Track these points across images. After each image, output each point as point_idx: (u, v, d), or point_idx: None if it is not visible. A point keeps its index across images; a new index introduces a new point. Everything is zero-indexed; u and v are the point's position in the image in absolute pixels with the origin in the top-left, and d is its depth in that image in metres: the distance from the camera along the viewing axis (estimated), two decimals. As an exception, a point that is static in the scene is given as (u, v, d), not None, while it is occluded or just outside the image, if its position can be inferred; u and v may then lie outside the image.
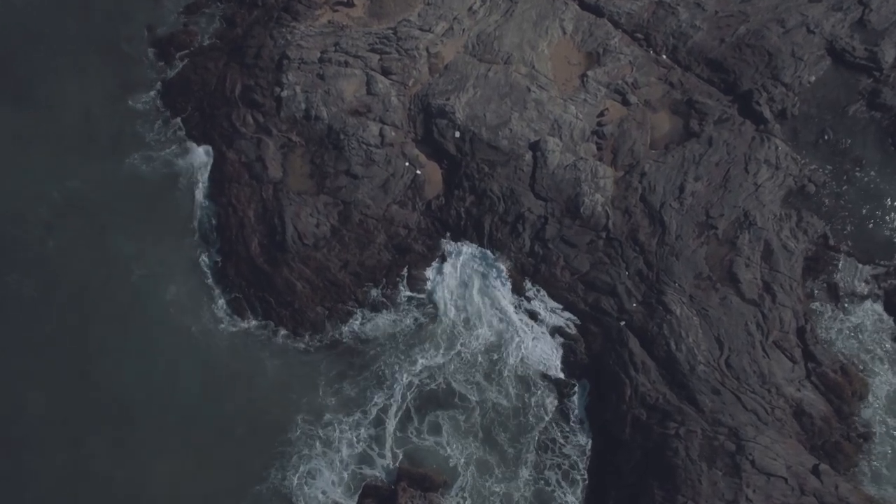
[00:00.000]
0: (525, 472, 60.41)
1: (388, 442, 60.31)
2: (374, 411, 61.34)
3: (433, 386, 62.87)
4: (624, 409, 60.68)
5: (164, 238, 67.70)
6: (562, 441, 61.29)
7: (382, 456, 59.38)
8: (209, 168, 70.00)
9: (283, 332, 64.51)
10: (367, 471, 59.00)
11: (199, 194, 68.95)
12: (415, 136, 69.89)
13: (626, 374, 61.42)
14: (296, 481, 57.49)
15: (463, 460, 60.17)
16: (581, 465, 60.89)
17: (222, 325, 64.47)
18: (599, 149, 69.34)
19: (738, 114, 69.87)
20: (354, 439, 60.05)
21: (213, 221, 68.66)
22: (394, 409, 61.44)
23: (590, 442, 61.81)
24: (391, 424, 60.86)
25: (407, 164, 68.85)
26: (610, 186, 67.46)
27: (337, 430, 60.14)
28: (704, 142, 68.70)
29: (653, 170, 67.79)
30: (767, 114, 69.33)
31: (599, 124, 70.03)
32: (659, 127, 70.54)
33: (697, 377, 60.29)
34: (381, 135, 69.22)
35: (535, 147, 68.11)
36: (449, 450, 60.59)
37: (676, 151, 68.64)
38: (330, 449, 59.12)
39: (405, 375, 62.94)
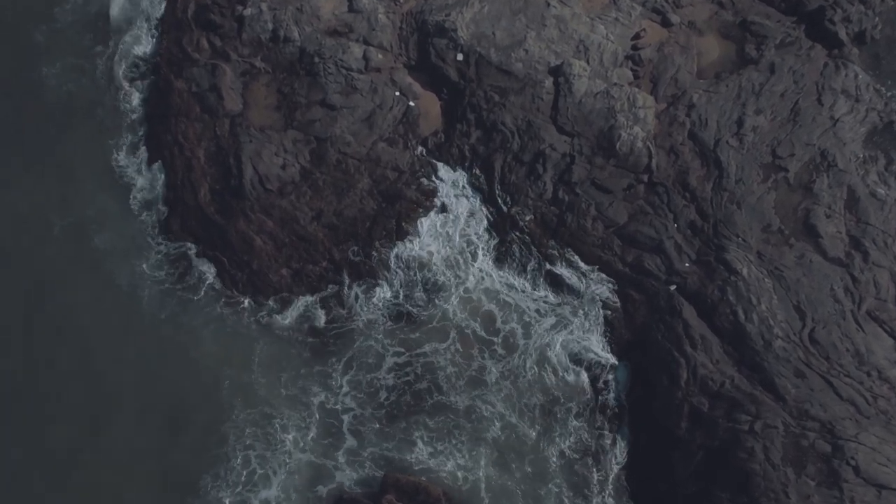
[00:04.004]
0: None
1: (344, 448, 44.31)
2: (341, 409, 45.16)
3: (419, 383, 46.64)
4: (679, 398, 44.42)
5: (92, 182, 51.18)
6: (597, 452, 44.66)
7: (339, 467, 42.52)
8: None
9: (233, 299, 47.88)
10: (325, 485, 42.07)
11: (139, 125, 52.50)
12: (407, 60, 53.75)
13: (681, 352, 45.12)
14: (235, 494, 40.51)
15: (466, 476, 43.43)
16: (620, 476, 44.34)
17: (159, 289, 48.25)
18: (636, 76, 53.28)
19: (806, 36, 53.86)
20: (309, 444, 43.55)
21: (156, 163, 52.02)
22: (369, 409, 45.52)
23: (628, 443, 45.27)
24: (369, 430, 44.89)
25: (397, 93, 52.67)
26: (651, 119, 51.15)
27: (288, 431, 43.88)
28: (765, 69, 52.67)
29: (703, 101, 51.65)
30: (843, 35, 53.40)
31: (635, 48, 54.00)
32: (707, 53, 54.52)
33: (775, 355, 43.97)
34: (366, 58, 53.07)
35: (556, 72, 51.95)
36: (449, 463, 44.20)
37: (731, 80, 52.58)
38: (277, 452, 42.25)
39: (380, 368, 46.77)
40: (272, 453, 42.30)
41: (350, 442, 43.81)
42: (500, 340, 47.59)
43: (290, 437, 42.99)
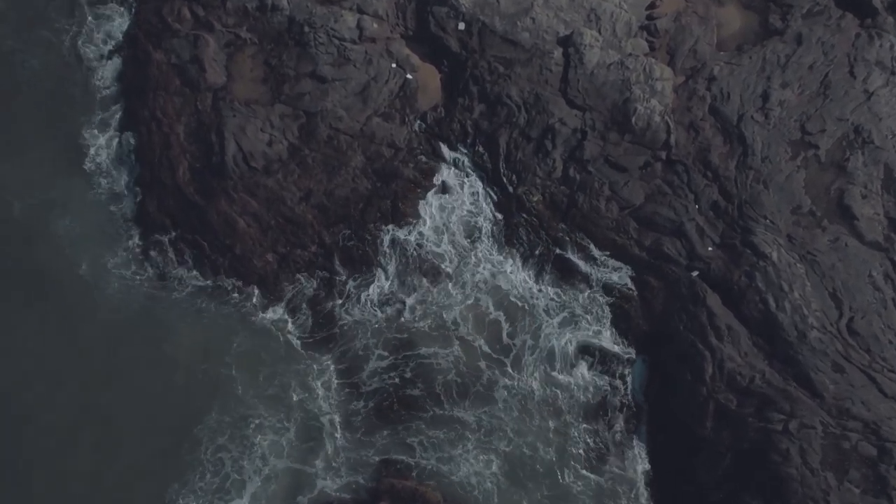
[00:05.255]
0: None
1: (327, 452, 39.65)
2: (324, 411, 40.61)
3: (412, 387, 42.01)
4: (703, 395, 40.00)
5: (58, 160, 46.57)
6: (614, 457, 39.88)
7: (319, 474, 37.65)
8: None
9: (212, 288, 43.25)
10: (305, 494, 37.30)
11: (112, 100, 47.97)
12: (405, 30, 49.45)
13: (705, 345, 40.72)
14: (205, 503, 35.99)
15: (476, 482, 38.78)
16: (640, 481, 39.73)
17: (128, 279, 43.59)
18: (651, 48, 48.85)
19: (836, 5, 49.49)
20: (287, 448, 38.78)
21: (131, 140, 47.43)
22: (354, 412, 40.85)
23: (647, 445, 40.68)
24: (357, 434, 40.36)
25: (394, 65, 48.32)
26: (669, 92, 46.63)
27: (265, 433, 39.13)
28: (791, 40, 48.20)
29: (724, 74, 47.21)
30: (877, 3, 49.01)
31: (650, 17, 49.72)
32: (727, 24, 50.19)
33: (810, 348, 39.49)
34: (360, 27, 48.82)
35: (566, 42, 47.59)
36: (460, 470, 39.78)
37: (754, 52, 48.17)
38: (252, 457, 37.40)
39: (367, 369, 42.18)
40: (247, 458, 37.53)
41: (335, 446, 39.12)
42: (504, 344, 43.18)
43: (266, 440, 38.12)
